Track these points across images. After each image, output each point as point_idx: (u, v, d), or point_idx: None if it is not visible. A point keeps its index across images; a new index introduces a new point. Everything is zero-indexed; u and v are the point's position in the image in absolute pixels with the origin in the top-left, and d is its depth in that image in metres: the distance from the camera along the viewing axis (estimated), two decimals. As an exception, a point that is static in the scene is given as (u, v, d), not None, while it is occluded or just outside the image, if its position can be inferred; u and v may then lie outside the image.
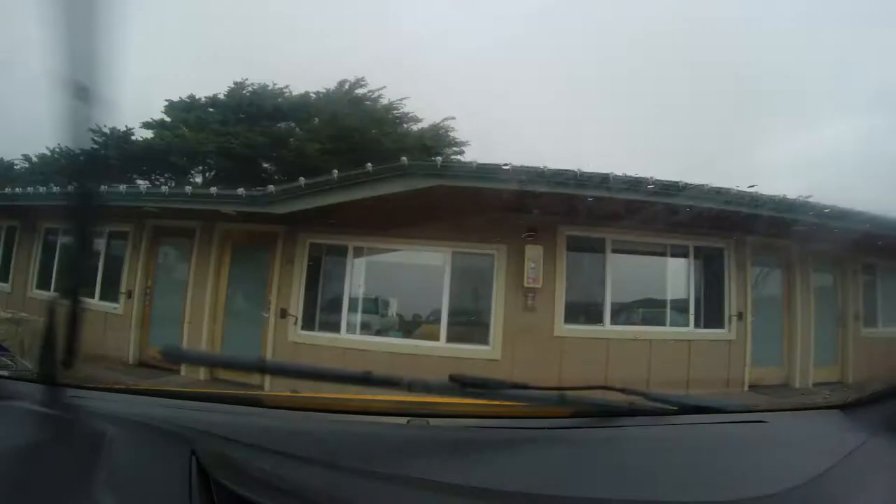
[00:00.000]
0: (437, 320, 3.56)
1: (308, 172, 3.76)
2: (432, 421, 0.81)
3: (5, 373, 0.97)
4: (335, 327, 3.59)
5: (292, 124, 7.19)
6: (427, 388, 0.70)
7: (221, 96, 7.36)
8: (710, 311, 3.85)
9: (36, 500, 0.56)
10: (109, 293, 4.02)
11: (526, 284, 3.43)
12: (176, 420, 0.73)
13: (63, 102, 0.56)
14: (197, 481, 0.58)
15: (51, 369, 0.72)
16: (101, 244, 4.11)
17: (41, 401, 0.76)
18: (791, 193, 3.46)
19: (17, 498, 0.55)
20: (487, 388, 0.71)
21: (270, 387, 2.35)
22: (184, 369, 3.37)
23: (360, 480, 0.61)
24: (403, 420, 0.80)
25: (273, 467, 0.61)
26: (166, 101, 7.54)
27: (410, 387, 0.68)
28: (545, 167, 3.08)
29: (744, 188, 3.42)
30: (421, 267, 3.94)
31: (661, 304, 3.88)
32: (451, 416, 0.83)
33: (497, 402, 0.79)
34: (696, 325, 3.80)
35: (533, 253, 3.44)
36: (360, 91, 7.14)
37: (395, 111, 7.37)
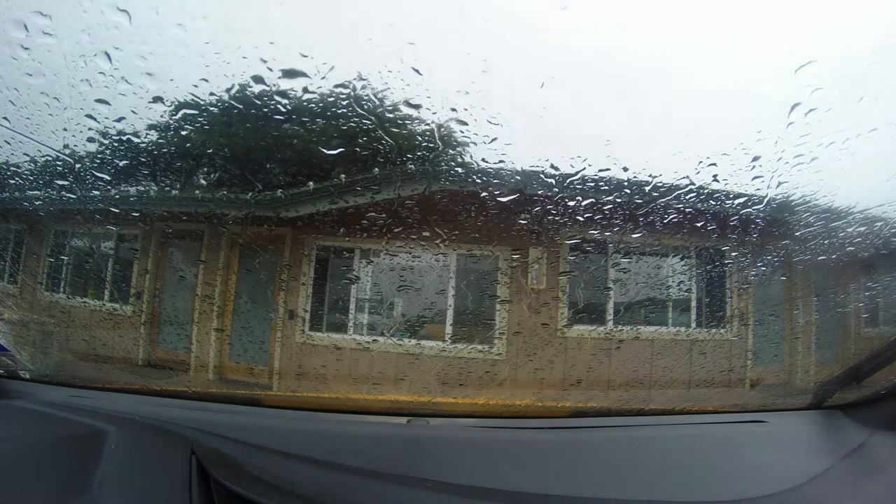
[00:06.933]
0: (443, 321, 3.61)
1: (314, 174, 3.79)
2: (432, 421, 0.82)
3: (5, 373, 0.96)
4: (342, 328, 3.65)
5: (297, 126, 7.15)
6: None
7: (226, 97, 7.33)
8: (712, 310, 3.89)
9: (36, 499, 0.57)
10: (118, 294, 4.06)
11: (529, 286, 3.48)
12: (176, 420, 0.74)
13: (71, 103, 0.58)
14: (197, 480, 0.60)
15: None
16: (109, 246, 4.16)
17: (41, 401, 0.77)
18: (793, 193, 3.48)
19: (17, 497, 0.57)
20: None
21: (272, 386, 2.38)
22: (192, 369, 3.43)
23: (359, 480, 0.62)
24: (403, 420, 0.81)
25: (273, 467, 0.62)
26: (171, 102, 7.52)
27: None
28: (549, 169, 3.11)
29: (745, 188, 3.44)
30: (426, 269, 3.98)
31: (663, 304, 3.91)
32: (450, 416, 0.84)
33: (497, 402, 0.80)
34: (698, 324, 3.84)
35: (536, 255, 3.49)
36: (364, 92, 7.11)
37: (400, 112, 7.31)
